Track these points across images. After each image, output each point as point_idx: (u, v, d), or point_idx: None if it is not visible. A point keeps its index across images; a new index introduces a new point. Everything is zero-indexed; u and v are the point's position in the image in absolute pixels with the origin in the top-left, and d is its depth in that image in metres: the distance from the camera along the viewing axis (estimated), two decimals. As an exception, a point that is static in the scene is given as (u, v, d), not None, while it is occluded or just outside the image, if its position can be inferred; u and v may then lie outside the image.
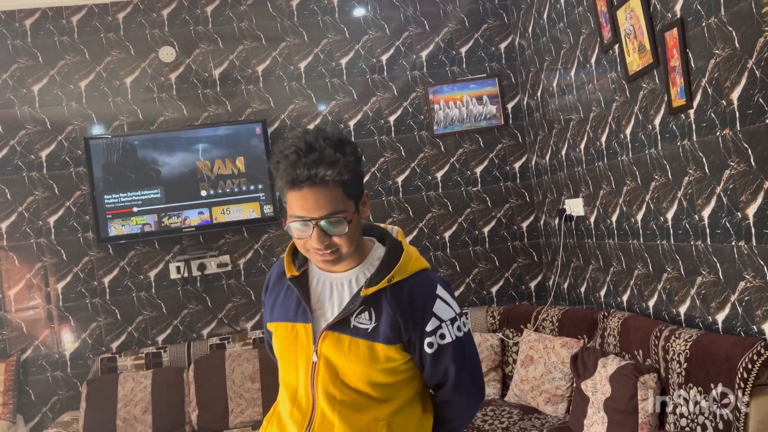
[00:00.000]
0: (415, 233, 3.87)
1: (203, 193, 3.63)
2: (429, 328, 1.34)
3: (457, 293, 3.88)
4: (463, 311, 1.46)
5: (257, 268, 3.76)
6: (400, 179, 3.87)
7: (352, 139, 1.55)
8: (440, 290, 1.37)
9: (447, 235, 3.89)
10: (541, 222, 3.89)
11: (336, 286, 1.40)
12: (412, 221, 3.87)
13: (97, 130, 3.63)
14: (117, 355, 3.49)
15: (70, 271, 3.60)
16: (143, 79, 3.69)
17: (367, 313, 1.35)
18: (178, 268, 3.65)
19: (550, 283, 3.82)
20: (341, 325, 1.35)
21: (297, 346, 1.39)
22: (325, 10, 3.84)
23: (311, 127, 1.58)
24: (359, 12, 3.87)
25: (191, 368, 3.41)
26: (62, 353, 3.58)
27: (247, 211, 3.68)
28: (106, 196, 3.53)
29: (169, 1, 3.71)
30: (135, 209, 3.56)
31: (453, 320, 1.37)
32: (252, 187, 3.68)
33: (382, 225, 1.49)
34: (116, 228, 3.54)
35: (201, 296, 3.70)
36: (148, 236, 3.60)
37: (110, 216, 3.53)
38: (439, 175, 3.89)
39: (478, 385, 1.45)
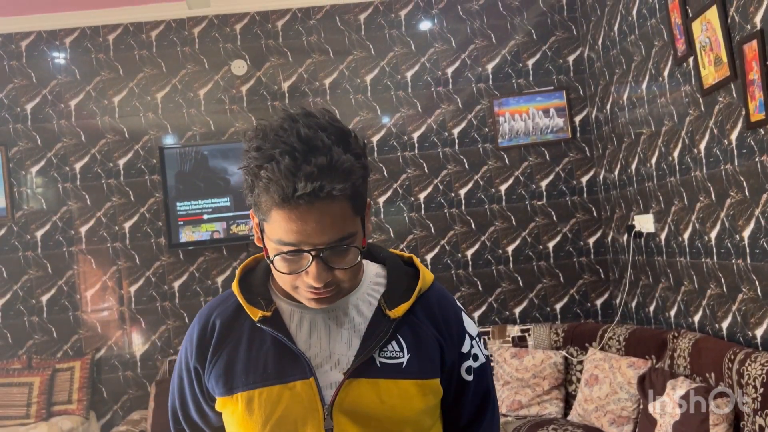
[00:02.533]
0: (476, 246, 3.84)
1: (270, 202, 3.72)
2: (465, 348, 1.05)
3: (521, 308, 3.83)
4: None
5: (320, 277, 3.81)
6: (462, 192, 3.86)
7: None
8: (461, 310, 1.09)
9: (510, 249, 3.84)
10: (609, 238, 3.79)
11: (330, 320, 1.02)
12: (473, 234, 3.84)
13: (171, 139, 3.78)
14: (184, 358, 3.60)
15: (142, 275, 3.75)
16: (215, 92, 3.82)
17: (394, 342, 1.01)
18: (243, 274, 3.74)
19: (617, 301, 3.71)
20: (365, 366, 0.99)
21: (295, 416, 0.98)
22: (392, 24, 3.89)
23: (298, 112, 0.90)
24: (426, 25, 3.90)
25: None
26: (133, 354, 3.72)
27: (312, 221, 3.74)
28: (178, 204, 3.67)
29: (242, 16, 3.84)
30: (205, 216, 3.68)
31: (479, 336, 1.09)
32: (317, 197, 3.73)
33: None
34: (187, 234, 3.67)
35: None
36: (216, 243, 3.71)
37: (182, 223, 3.66)
38: (502, 188, 3.86)
39: (498, 415, 1.13)
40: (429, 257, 3.84)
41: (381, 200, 3.85)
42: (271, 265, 0.95)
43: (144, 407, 3.58)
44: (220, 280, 3.77)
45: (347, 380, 0.97)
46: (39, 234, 3.71)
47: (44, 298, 3.68)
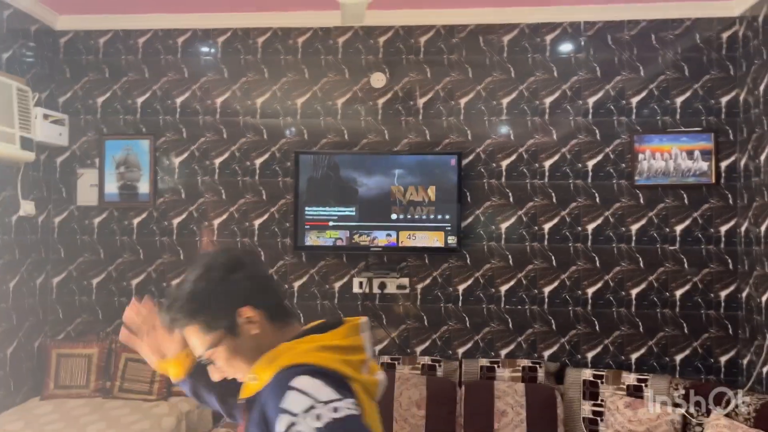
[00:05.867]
0: (598, 285, 3.72)
1: (393, 216, 3.76)
2: (280, 428, 1.07)
3: (638, 354, 3.68)
4: (340, 398, 1.09)
5: (433, 294, 3.83)
6: (591, 227, 3.74)
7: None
8: (297, 381, 1.11)
9: (634, 292, 3.70)
10: (744, 294, 3.57)
11: None
12: (597, 272, 3.73)
13: (306, 145, 3.88)
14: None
15: (265, 271, 3.89)
16: (353, 102, 3.88)
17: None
18: (360, 283, 3.82)
19: (744, 361, 3.50)
20: None
21: None
22: (536, 48, 3.80)
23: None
24: (571, 52, 3.79)
25: (362, 383, 3.55)
26: (249, 345, 3.89)
27: (432, 239, 3.76)
28: (307, 208, 3.78)
29: (387, 29, 3.87)
30: (330, 223, 3.77)
31: (309, 409, 1.06)
32: (440, 217, 3.75)
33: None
34: (312, 238, 3.77)
35: (378, 313, 3.85)
36: (338, 250, 3.80)
37: (308, 227, 3.77)
38: (633, 228, 3.71)
39: None
40: (547, 290, 3.76)
41: (504, 226, 3.81)
42: None
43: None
44: (337, 285, 3.87)
45: None
46: (176, 222, 3.94)
47: (173, 283, 3.91)
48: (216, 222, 3.92)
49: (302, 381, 1.11)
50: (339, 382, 1.14)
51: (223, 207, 3.92)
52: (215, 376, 1.30)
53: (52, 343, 3.73)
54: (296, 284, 3.88)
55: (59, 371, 3.64)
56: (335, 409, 1.06)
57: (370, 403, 1.23)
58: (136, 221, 3.94)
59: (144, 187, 3.94)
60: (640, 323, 3.70)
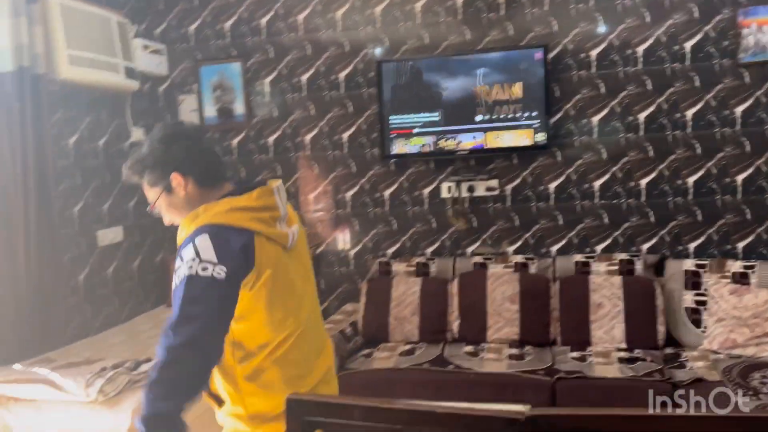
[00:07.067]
0: (700, 173, 3.54)
1: (479, 117, 3.74)
2: (174, 266, 1.48)
3: (745, 242, 3.50)
4: (215, 263, 1.42)
5: (523, 194, 3.81)
6: (690, 113, 3.53)
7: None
8: (199, 238, 1.45)
9: (739, 178, 3.49)
10: None
11: None
12: (698, 160, 3.54)
13: (388, 53, 3.90)
14: (391, 261, 3.88)
15: (357, 183, 4.03)
16: (432, 3, 3.83)
17: None
18: (449, 188, 3.87)
19: None
20: None
21: None
22: (623, -76, 3.55)
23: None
24: (663, -77, 3.49)
25: (455, 281, 3.66)
26: (347, 252, 4.09)
27: (520, 138, 3.71)
28: (391, 117, 3.83)
29: (462, -76, 3.74)
30: (415, 130, 3.82)
31: (192, 260, 1.42)
32: (527, 114, 3.68)
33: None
34: (398, 147, 3.84)
35: (468, 216, 3.89)
36: (425, 156, 3.85)
37: (394, 135, 3.84)
38: (738, 110, 3.47)
39: (169, 330, 1.40)
40: (644, 182, 3.63)
41: (595, 119, 3.68)
42: None
43: (355, 300, 3.95)
44: (426, 191, 3.94)
45: None
46: (271, 139, 4.13)
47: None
48: (308, 137, 4.08)
49: (200, 239, 1.45)
50: (229, 250, 1.45)
51: (313, 122, 4.06)
52: (165, 221, 1.68)
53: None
54: (386, 192, 3.99)
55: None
56: (204, 268, 1.41)
57: (279, 249, 1.57)
58: (234, 141, 4.18)
59: (239, 108, 4.15)
60: (747, 210, 3.50)
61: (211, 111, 4.19)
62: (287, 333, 1.59)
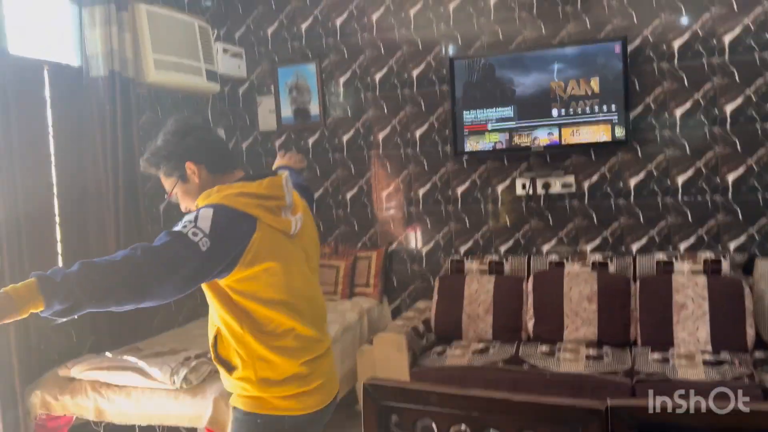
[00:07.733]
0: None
1: (554, 113, 3.67)
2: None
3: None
4: (206, 234, 1.49)
5: (602, 191, 3.71)
6: (782, 104, 3.35)
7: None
8: (204, 209, 1.55)
9: (839, 172, 3.28)
10: None
11: None
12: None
13: (460, 50, 3.89)
14: (464, 258, 3.86)
15: (429, 180, 4.04)
16: (505, -1, 3.79)
17: None
18: (523, 184, 3.81)
19: None
20: None
21: None
22: None
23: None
24: None
25: (530, 280, 3.60)
26: (419, 250, 4.10)
27: (598, 133, 3.61)
28: (464, 113, 3.81)
29: None
30: (489, 126, 3.78)
31: (189, 222, 1.51)
32: (605, 108, 3.58)
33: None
34: (471, 143, 3.82)
35: (543, 214, 3.82)
36: (498, 153, 3.81)
37: (467, 132, 3.82)
38: (837, 100, 3.25)
39: (140, 249, 1.44)
40: (731, 177, 3.46)
41: (678, 112, 3.54)
42: None
43: (428, 298, 3.96)
44: (499, 188, 3.90)
45: None
46: (345, 138, 4.20)
47: (348, 195, 4.21)
48: (380, 135, 4.12)
49: (204, 210, 1.55)
50: (224, 231, 1.53)
51: (385, 121, 4.10)
52: (182, 207, 1.77)
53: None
54: (459, 190, 3.97)
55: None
56: (195, 234, 1.49)
57: (279, 236, 1.64)
58: (310, 141, 4.27)
59: (314, 108, 4.24)
60: None
61: (287, 111, 4.29)
62: (294, 308, 1.67)
